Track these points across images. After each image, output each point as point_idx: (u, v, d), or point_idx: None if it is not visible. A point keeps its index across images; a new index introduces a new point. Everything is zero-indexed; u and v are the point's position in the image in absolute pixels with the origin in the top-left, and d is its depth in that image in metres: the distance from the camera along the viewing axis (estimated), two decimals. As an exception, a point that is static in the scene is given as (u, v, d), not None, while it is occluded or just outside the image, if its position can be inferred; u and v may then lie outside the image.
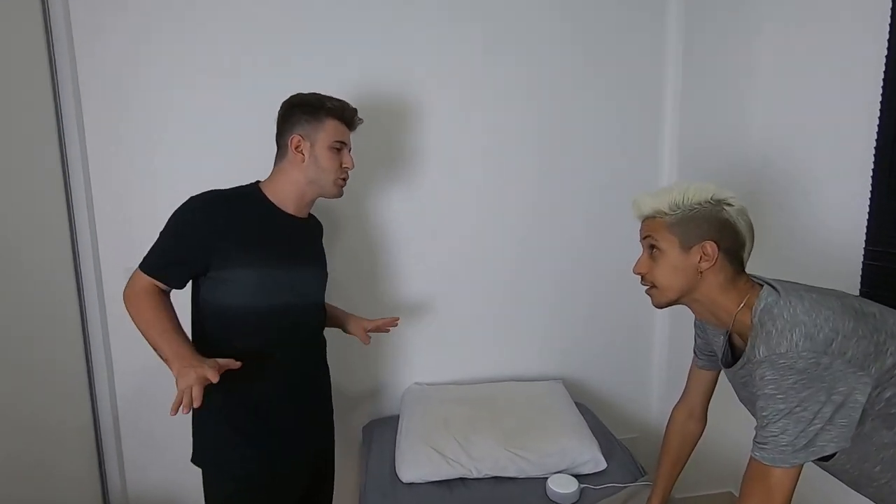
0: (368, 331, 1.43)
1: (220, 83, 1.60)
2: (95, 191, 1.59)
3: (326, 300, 1.51)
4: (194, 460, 1.22)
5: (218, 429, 1.19)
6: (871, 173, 1.46)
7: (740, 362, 0.94)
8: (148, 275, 1.13)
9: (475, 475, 1.45)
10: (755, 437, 0.85)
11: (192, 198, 1.16)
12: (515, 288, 1.89)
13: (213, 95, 1.60)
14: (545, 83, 1.80)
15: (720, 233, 0.92)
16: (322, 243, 1.41)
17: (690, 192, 0.94)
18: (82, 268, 1.59)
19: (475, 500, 1.37)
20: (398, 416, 1.71)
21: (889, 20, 1.40)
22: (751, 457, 0.85)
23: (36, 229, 1.46)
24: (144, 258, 1.14)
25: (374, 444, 1.64)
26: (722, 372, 1.10)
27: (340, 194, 1.28)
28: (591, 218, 1.89)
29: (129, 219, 1.61)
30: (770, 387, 0.81)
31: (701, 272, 0.92)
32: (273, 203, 1.22)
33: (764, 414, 0.82)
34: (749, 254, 0.96)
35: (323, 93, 1.25)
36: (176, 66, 1.57)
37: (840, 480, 0.98)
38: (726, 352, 1.02)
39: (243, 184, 1.25)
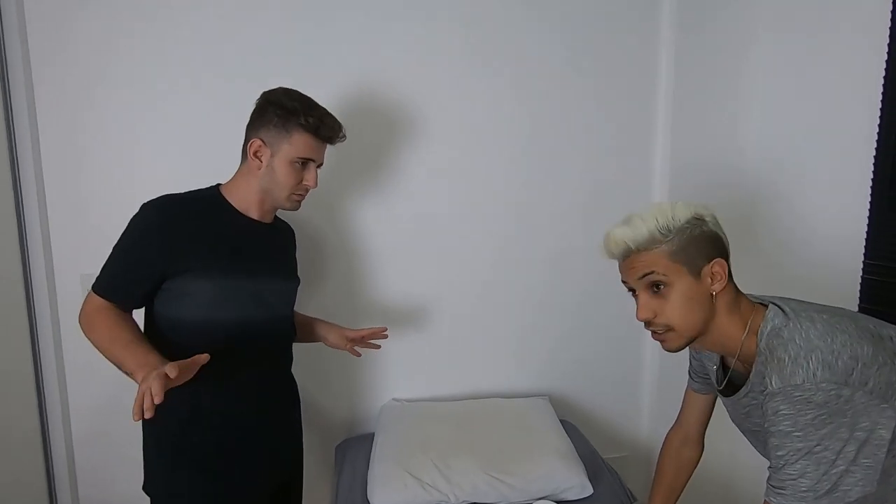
0: (351, 340, 1.31)
1: (184, 83, 1.50)
2: (49, 192, 1.48)
3: (305, 313, 1.41)
4: (145, 489, 1.12)
5: (170, 455, 1.09)
6: (869, 184, 1.40)
7: (743, 391, 0.86)
8: (102, 297, 1.03)
9: (453, 501, 1.35)
10: (770, 478, 0.76)
11: (144, 205, 1.06)
12: (500, 301, 1.80)
13: (176, 96, 1.50)
14: (534, 95, 1.73)
15: (720, 248, 0.84)
16: (293, 250, 1.32)
17: (671, 212, 0.83)
18: (33, 274, 1.48)
19: (452, 530, 1.28)
20: (373, 435, 1.61)
21: (888, 30, 1.35)
22: (765, 502, 0.75)
23: None
24: (97, 278, 1.05)
25: (346, 466, 1.54)
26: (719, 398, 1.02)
27: (296, 208, 1.18)
28: (578, 230, 1.81)
29: (85, 221, 1.50)
30: (786, 423, 0.72)
31: (713, 295, 0.83)
32: (235, 207, 1.12)
33: (780, 454, 0.73)
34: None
35: (310, 95, 1.14)
36: (137, 66, 1.47)
37: None
38: (720, 377, 0.94)
39: (203, 187, 1.16)
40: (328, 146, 1.18)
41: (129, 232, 1.05)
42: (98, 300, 1.03)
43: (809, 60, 1.62)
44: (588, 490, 1.39)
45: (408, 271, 1.73)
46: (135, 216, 1.06)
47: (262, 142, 1.10)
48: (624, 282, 0.89)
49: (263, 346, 1.15)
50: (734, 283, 0.87)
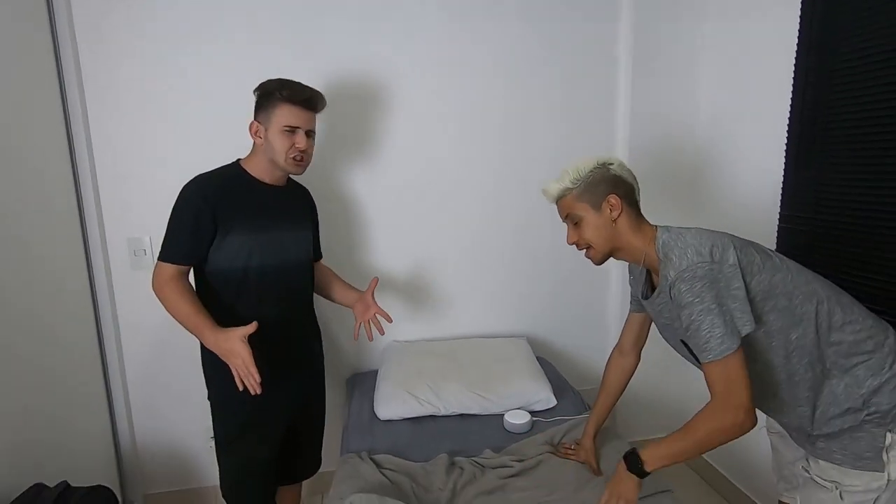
0: (368, 305, 1.51)
1: (216, 63, 1.78)
2: (99, 172, 1.77)
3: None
4: (209, 398, 1.45)
5: (222, 371, 1.36)
6: (784, 149, 1.69)
7: (656, 292, 1.15)
8: (168, 262, 1.31)
9: (443, 413, 1.68)
10: (696, 349, 1.04)
11: (184, 186, 1.34)
12: (482, 256, 2.10)
13: (210, 75, 1.78)
14: (508, 64, 1.98)
15: (615, 186, 1.15)
16: (307, 207, 1.57)
17: (581, 165, 1.16)
18: (89, 238, 1.78)
19: (442, 433, 1.59)
20: (377, 370, 1.92)
21: (799, 18, 1.61)
22: (704, 364, 1.03)
23: (46, 204, 1.62)
24: (161, 250, 1.32)
25: (356, 391, 1.86)
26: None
27: (299, 171, 1.41)
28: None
29: (129, 195, 1.80)
30: (688, 296, 1.02)
31: (615, 221, 1.14)
32: (252, 176, 1.40)
33: (692, 318, 1.01)
34: (639, 195, 1.19)
35: (296, 78, 1.39)
36: (173, 56, 1.75)
37: None
38: (645, 288, 1.24)
39: (227, 163, 1.43)
40: (316, 115, 1.41)
41: (179, 208, 1.32)
42: (167, 269, 1.31)
43: (744, 44, 1.88)
44: (553, 402, 1.71)
45: (403, 234, 2.02)
46: (180, 196, 1.32)
47: (258, 122, 1.37)
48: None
49: (284, 284, 1.43)
50: (635, 212, 1.17)
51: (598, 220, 1.15)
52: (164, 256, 1.32)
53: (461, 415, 1.69)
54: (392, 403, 1.67)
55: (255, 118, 1.38)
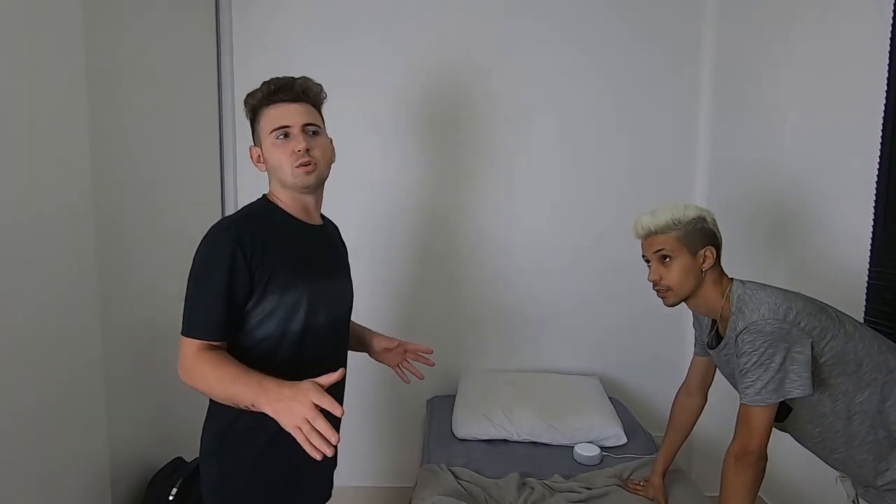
0: (389, 350, 1.31)
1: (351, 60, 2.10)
2: (239, 163, 2.16)
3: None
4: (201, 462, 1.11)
5: (226, 463, 1.08)
6: (873, 203, 1.68)
7: (723, 343, 1.23)
8: (196, 339, 0.98)
9: (515, 438, 1.79)
10: (739, 389, 1.13)
11: (209, 234, 1.02)
12: (559, 295, 2.22)
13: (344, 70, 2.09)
14: (589, 110, 2.16)
15: (712, 239, 1.23)
16: (344, 247, 1.29)
17: (685, 212, 1.23)
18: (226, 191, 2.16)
19: (514, 457, 1.71)
20: (455, 395, 2.07)
21: (887, 72, 1.64)
22: (740, 404, 1.13)
23: (196, 181, 1.96)
24: (187, 322, 0.99)
25: (435, 411, 2.03)
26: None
27: (308, 183, 1.07)
28: (624, 240, 2.14)
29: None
30: (748, 347, 1.10)
31: (704, 272, 1.22)
32: (285, 212, 1.10)
33: (743, 365, 1.10)
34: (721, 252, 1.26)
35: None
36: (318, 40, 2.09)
37: (795, 439, 1.25)
38: (711, 338, 1.31)
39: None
40: (316, 109, 1.11)
41: (207, 262, 1.03)
42: (192, 345, 0.98)
43: (826, 94, 1.91)
44: (623, 440, 1.76)
45: (483, 272, 2.20)
46: (205, 248, 1.02)
47: (253, 145, 1.11)
48: (643, 255, 1.29)
49: (331, 345, 1.14)
50: (721, 267, 1.25)
51: (690, 264, 1.21)
52: (188, 330, 0.98)
53: (532, 442, 1.79)
54: (469, 425, 1.81)
55: (253, 141, 1.13)
